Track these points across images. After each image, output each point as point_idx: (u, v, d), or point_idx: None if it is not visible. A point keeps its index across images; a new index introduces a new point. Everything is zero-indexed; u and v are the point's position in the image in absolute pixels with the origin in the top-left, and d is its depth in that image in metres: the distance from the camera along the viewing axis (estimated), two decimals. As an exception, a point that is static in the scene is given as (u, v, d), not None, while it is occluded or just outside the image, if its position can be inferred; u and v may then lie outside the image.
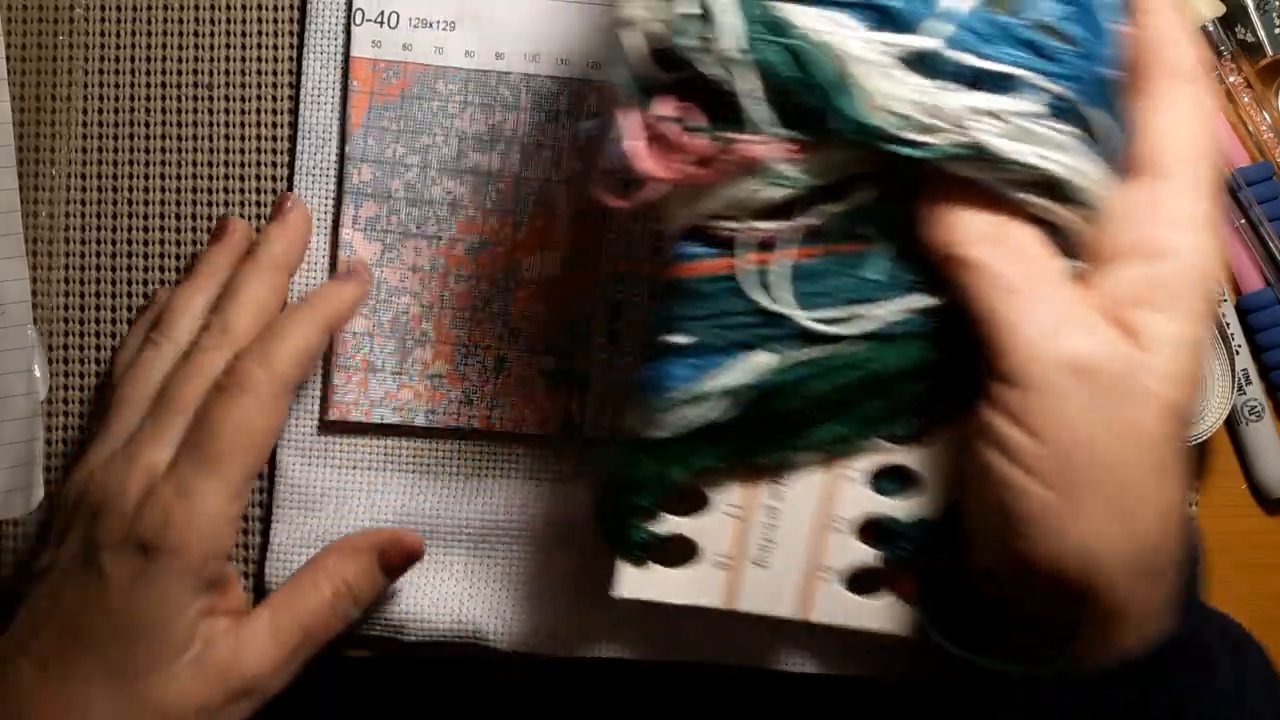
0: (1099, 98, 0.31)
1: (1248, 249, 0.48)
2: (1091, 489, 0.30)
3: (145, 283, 0.50)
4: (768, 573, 0.36)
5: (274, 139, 0.50)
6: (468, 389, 0.47)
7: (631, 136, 0.32)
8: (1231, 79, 0.48)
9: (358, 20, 0.48)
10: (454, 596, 0.47)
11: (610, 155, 0.32)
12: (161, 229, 0.50)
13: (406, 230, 0.48)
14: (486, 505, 0.48)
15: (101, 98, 0.51)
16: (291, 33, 0.51)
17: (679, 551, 0.36)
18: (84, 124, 0.51)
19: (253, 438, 0.39)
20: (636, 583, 0.37)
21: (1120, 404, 0.30)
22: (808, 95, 0.29)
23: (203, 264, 0.47)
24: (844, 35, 0.29)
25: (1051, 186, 0.31)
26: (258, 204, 0.50)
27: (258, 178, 0.50)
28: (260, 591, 0.48)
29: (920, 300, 0.33)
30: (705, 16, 0.30)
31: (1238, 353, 0.46)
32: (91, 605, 0.38)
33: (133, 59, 0.51)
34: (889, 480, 0.36)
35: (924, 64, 0.29)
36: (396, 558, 0.43)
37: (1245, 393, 0.47)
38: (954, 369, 0.33)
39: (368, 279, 0.46)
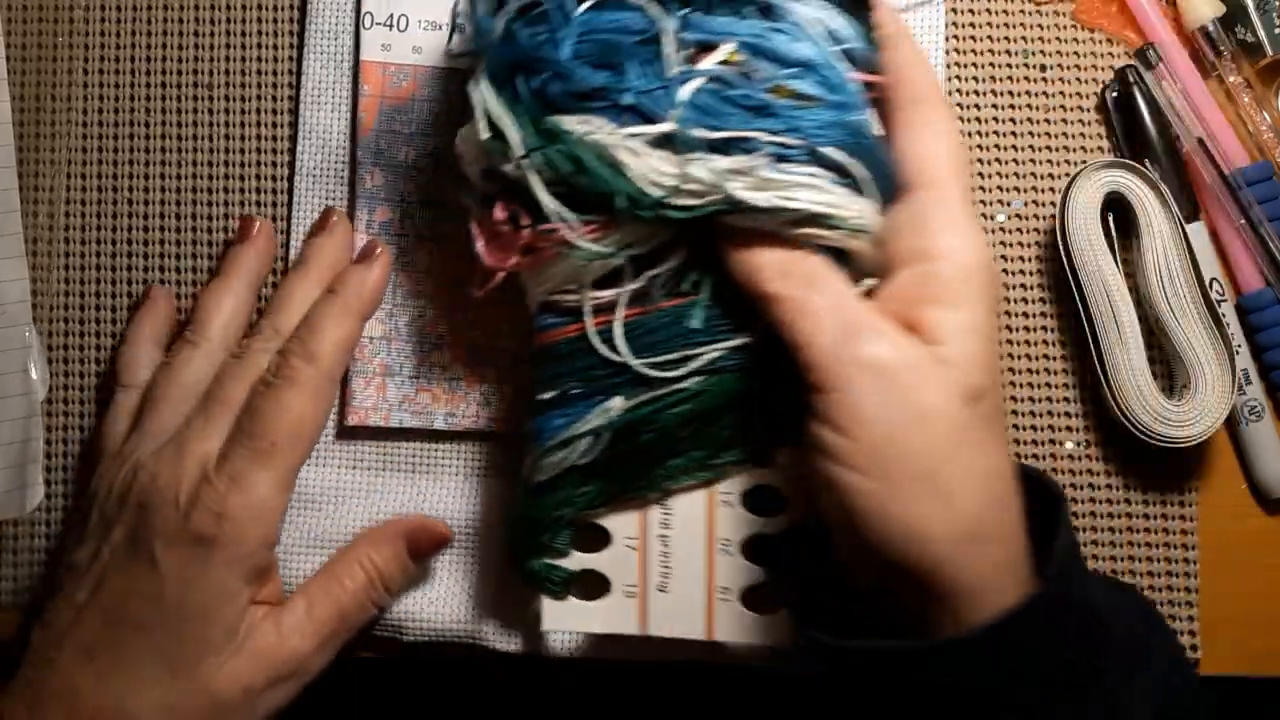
0: (842, 137, 0.36)
1: (1248, 249, 0.48)
2: (904, 473, 0.33)
3: (145, 283, 0.50)
4: (671, 597, 0.40)
5: (274, 139, 0.50)
6: (485, 391, 0.47)
7: (476, 239, 0.39)
8: (1231, 79, 0.48)
9: (367, 24, 0.48)
10: (453, 597, 0.47)
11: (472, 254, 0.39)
12: (161, 229, 0.50)
13: (421, 234, 0.48)
14: (486, 505, 0.48)
15: (101, 98, 0.51)
16: (291, 33, 0.51)
17: (595, 585, 0.41)
18: (84, 124, 0.51)
19: (301, 429, 0.41)
20: (559, 616, 0.41)
21: (914, 393, 0.34)
22: (589, 183, 0.36)
23: (229, 264, 0.47)
24: (601, 132, 0.36)
25: (819, 219, 0.36)
26: (257, 204, 0.50)
27: (258, 178, 0.50)
28: (260, 591, 0.49)
29: (739, 339, 0.38)
30: (501, 136, 0.37)
31: (1238, 353, 0.46)
32: (142, 594, 0.39)
33: (133, 59, 0.51)
34: (760, 500, 0.40)
35: (673, 142, 0.36)
36: (425, 544, 0.44)
37: (1245, 393, 0.47)
38: (786, 392, 0.37)
39: (388, 256, 0.47)
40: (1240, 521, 0.48)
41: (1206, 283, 0.46)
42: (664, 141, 0.36)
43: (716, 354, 0.38)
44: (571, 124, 0.36)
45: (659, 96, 0.36)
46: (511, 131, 0.37)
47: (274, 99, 0.50)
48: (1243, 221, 0.48)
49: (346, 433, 0.48)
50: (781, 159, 0.36)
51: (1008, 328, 0.48)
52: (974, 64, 0.49)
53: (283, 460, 0.40)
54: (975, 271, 0.36)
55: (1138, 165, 0.46)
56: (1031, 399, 0.48)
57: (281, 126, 0.50)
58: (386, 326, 0.47)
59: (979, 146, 0.49)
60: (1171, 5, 0.49)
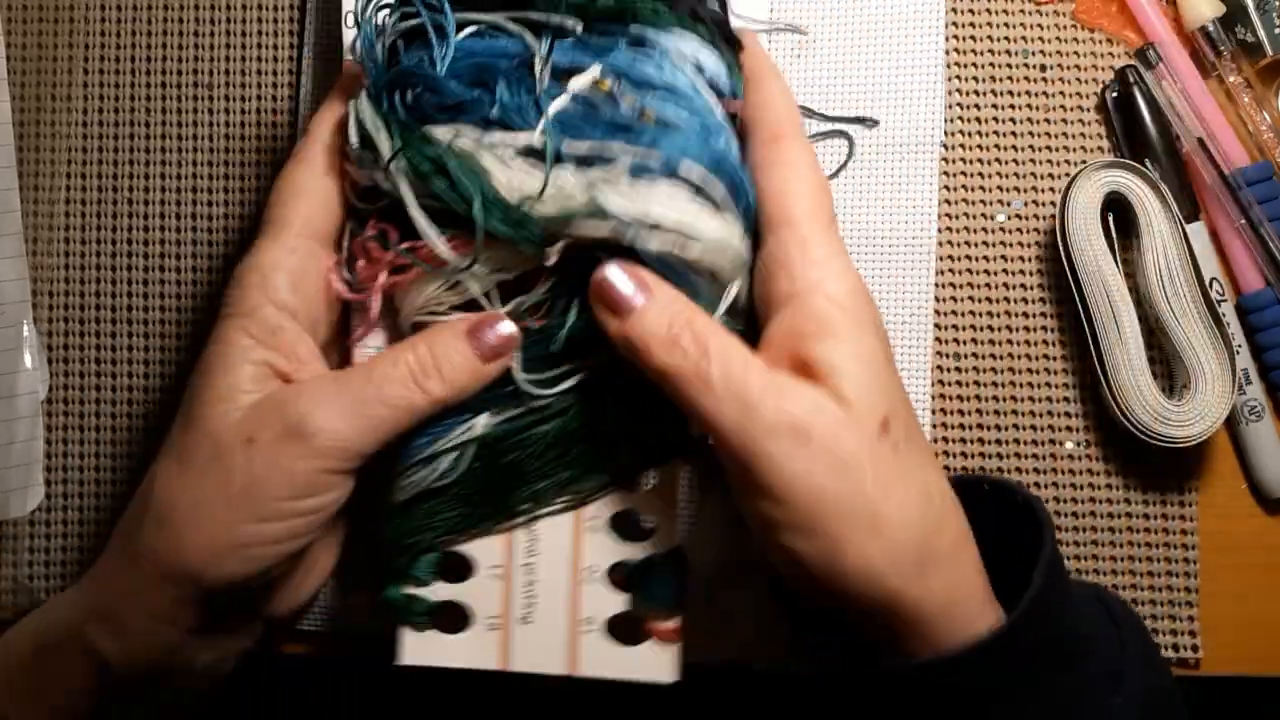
0: (701, 156, 0.37)
1: (1248, 249, 0.48)
2: (840, 523, 0.34)
3: (145, 283, 0.50)
4: (534, 629, 0.39)
5: (274, 139, 0.50)
6: None
7: (355, 257, 0.40)
8: (1231, 79, 0.48)
9: (348, 22, 0.48)
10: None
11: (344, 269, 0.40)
12: (161, 229, 0.50)
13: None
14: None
15: (101, 98, 0.51)
16: (292, 33, 0.51)
17: (458, 617, 0.40)
18: (84, 124, 0.51)
19: (295, 187, 0.39)
20: (418, 650, 0.40)
21: (829, 444, 0.34)
22: (450, 189, 0.36)
23: None
24: (468, 140, 0.37)
25: (679, 233, 0.36)
26: (257, 204, 0.50)
27: (258, 178, 0.50)
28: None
29: (602, 362, 0.38)
30: (370, 145, 0.38)
31: (1238, 353, 0.46)
32: (188, 383, 0.39)
33: (133, 59, 0.51)
34: (627, 526, 0.40)
35: (538, 154, 0.37)
36: (487, 333, 0.39)
37: (1245, 393, 0.47)
38: (656, 415, 0.38)
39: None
40: (1240, 521, 0.48)
41: (1206, 283, 0.46)
42: (529, 153, 0.37)
43: (585, 374, 0.39)
44: (440, 132, 0.37)
45: (526, 110, 0.37)
46: (381, 139, 0.37)
47: (274, 99, 0.50)
48: (1243, 221, 0.48)
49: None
50: (641, 171, 0.36)
51: (1008, 328, 0.48)
52: (974, 64, 0.49)
53: (280, 222, 0.39)
54: (846, 299, 0.36)
55: (1138, 165, 0.46)
56: (1031, 399, 0.48)
57: (281, 126, 0.50)
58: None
59: (979, 146, 0.49)
60: (1171, 5, 0.49)
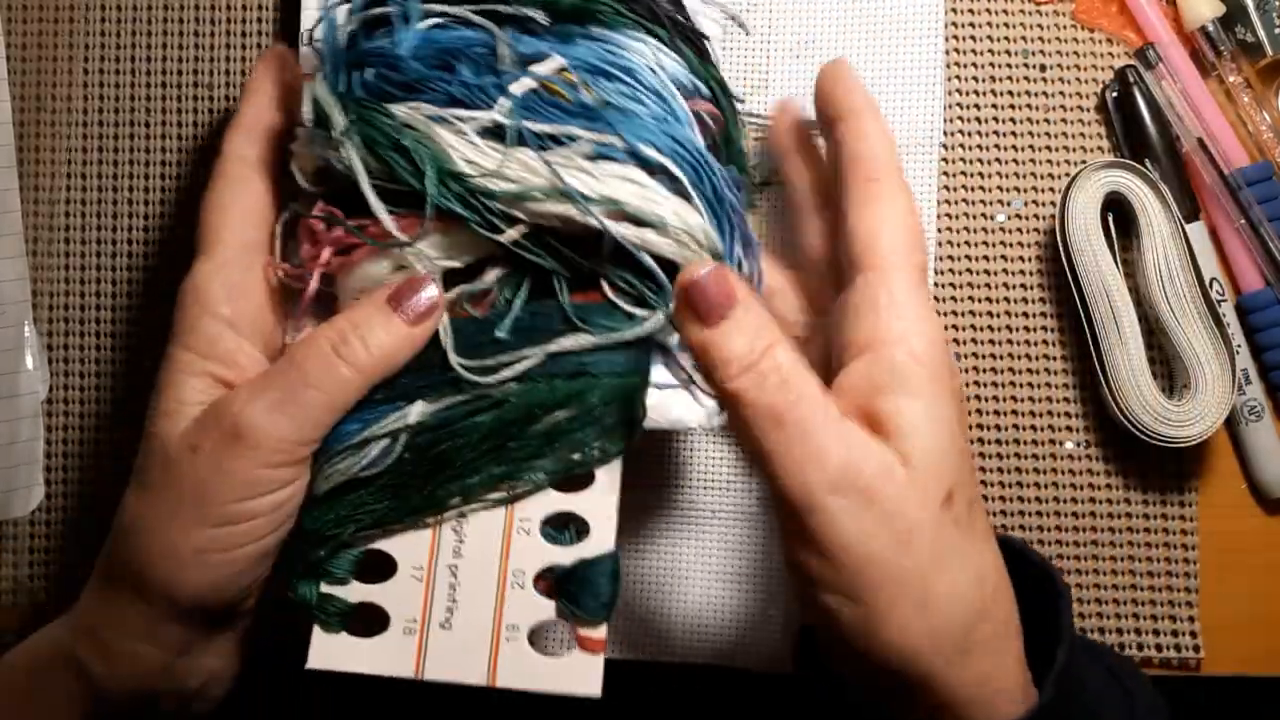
0: (662, 142, 0.37)
1: (1248, 249, 0.48)
2: (887, 593, 0.33)
3: (145, 283, 0.50)
4: (453, 635, 0.37)
5: (274, 139, 0.50)
6: None
7: (299, 239, 0.39)
8: (1231, 79, 0.48)
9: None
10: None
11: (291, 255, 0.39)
12: (161, 229, 0.50)
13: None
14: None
15: (101, 98, 0.51)
16: (291, 33, 0.51)
17: (373, 620, 0.38)
18: (84, 124, 0.51)
19: (220, 204, 0.39)
20: (327, 653, 0.38)
21: (890, 509, 0.33)
22: (404, 164, 0.36)
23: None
24: (426, 115, 0.37)
25: (641, 219, 0.36)
26: (258, 204, 0.50)
27: (258, 178, 0.50)
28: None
29: (548, 345, 0.37)
30: (323, 122, 0.37)
31: (1238, 353, 0.46)
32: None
33: (133, 59, 0.51)
34: (563, 529, 0.38)
35: (497, 135, 0.37)
36: (408, 294, 0.37)
37: (1245, 393, 0.47)
38: (597, 409, 0.37)
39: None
40: (1240, 521, 0.48)
41: (1206, 283, 0.46)
42: (488, 133, 0.37)
43: (526, 365, 0.37)
44: (397, 109, 0.37)
45: (489, 90, 0.37)
46: (335, 114, 0.37)
47: (274, 99, 0.50)
48: (1243, 221, 0.48)
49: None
50: (602, 154, 0.36)
51: (1008, 328, 0.48)
52: (974, 64, 0.49)
53: (209, 239, 0.39)
54: (928, 357, 0.35)
55: (1138, 165, 0.46)
56: (1031, 399, 0.48)
57: (281, 126, 0.50)
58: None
59: (979, 146, 0.49)
60: (1171, 5, 0.49)
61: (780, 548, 0.35)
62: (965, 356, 0.48)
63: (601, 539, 0.37)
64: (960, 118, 0.49)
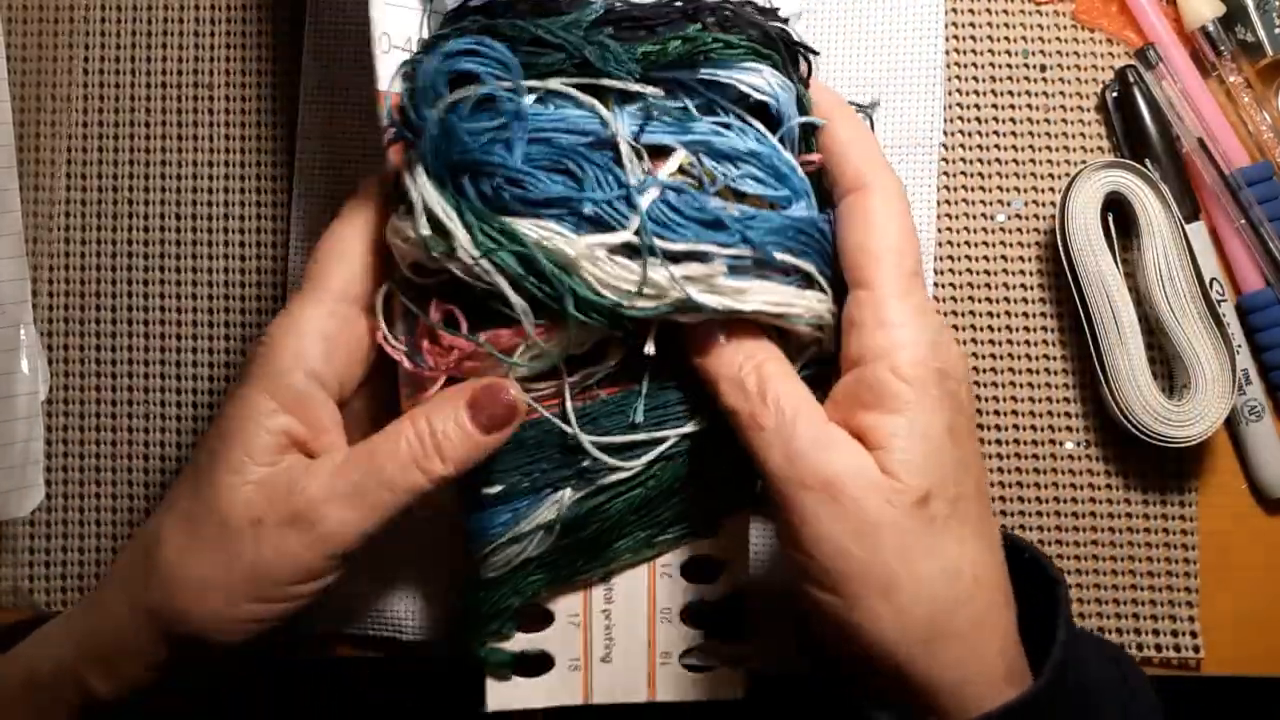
0: (789, 241, 0.37)
1: (1248, 249, 0.48)
2: (858, 584, 0.34)
3: (145, 283, 0.50)
4: (614, 667, 0.41)
5: (274, 139, 0.50)
6: None
7: (409, 342, 0.38)
8: (1231, 79, 0.48)
9: (383, 46, 0.45)
10: (453, 597, 0.47)
11: (409, 354, 0.38)
12: (161, 229, 0.50)
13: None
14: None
15: (101, 98, 0.51)
16: (292, 33, 0.51)
17: (539, 662, 0.42)
18: (84, 124, 0.51)
19: (341, 249, 0.38)
20: (504, 697, 0.41)
21: (860, 507, 0.34)
22: (542, 287, 0.35)
23: None
24: (559, 239, 0.35)
25: (770, 315, 0.37)
26: (257, 204, 0.50)
27: (258, 178, 0.50)
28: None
29: (683, 428, 0.39)
30: (445, 233, 0.35)
31: (1238, 353, 0.46)
32: (203, 439, 0.39)
33: (133, 59, 0.51)
34: (698, 569, 0.42)
35: (630, 250, 0.36)
36: (487, 404, 0.37)
37: (1245, 393, 0.47)
38: (727, 471, 0.39)
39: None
40: (1240, 521, 0.48)
41: (1206, 283, 0.46)
42: (620, 248, 0.36)
43: (668, 443, 0.39)
44: (526, 227, 0.35)
45: (618, 205, 0.36)
46: (459, 231, 0.35)
47: (274, 99, 0.50)
48: (1243, 221, 0.48)
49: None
50: (736, 269, 0.36)
51: (1008, 328, 0.48)
52: (974, 64, 0.49)
53: (321, 283, 0.38)
54: (912, 371, 0.36)
55: (1138, 165, 0.46)
56: (1031, 399, 0.48)
57: (281, 126, 0.50)
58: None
59: (979, 146, 0.49)
60: (1171, 5, 0.49)
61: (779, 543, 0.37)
62: (965, 356, 0.48)
63: (735, 575, 0.42)
64: (960, 118, 0.49)
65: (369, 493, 0.37)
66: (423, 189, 0.36)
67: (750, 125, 0.38)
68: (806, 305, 0.38)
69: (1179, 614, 0.47)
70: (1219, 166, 0.47)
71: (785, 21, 0.39)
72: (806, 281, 0.38)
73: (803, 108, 0.39)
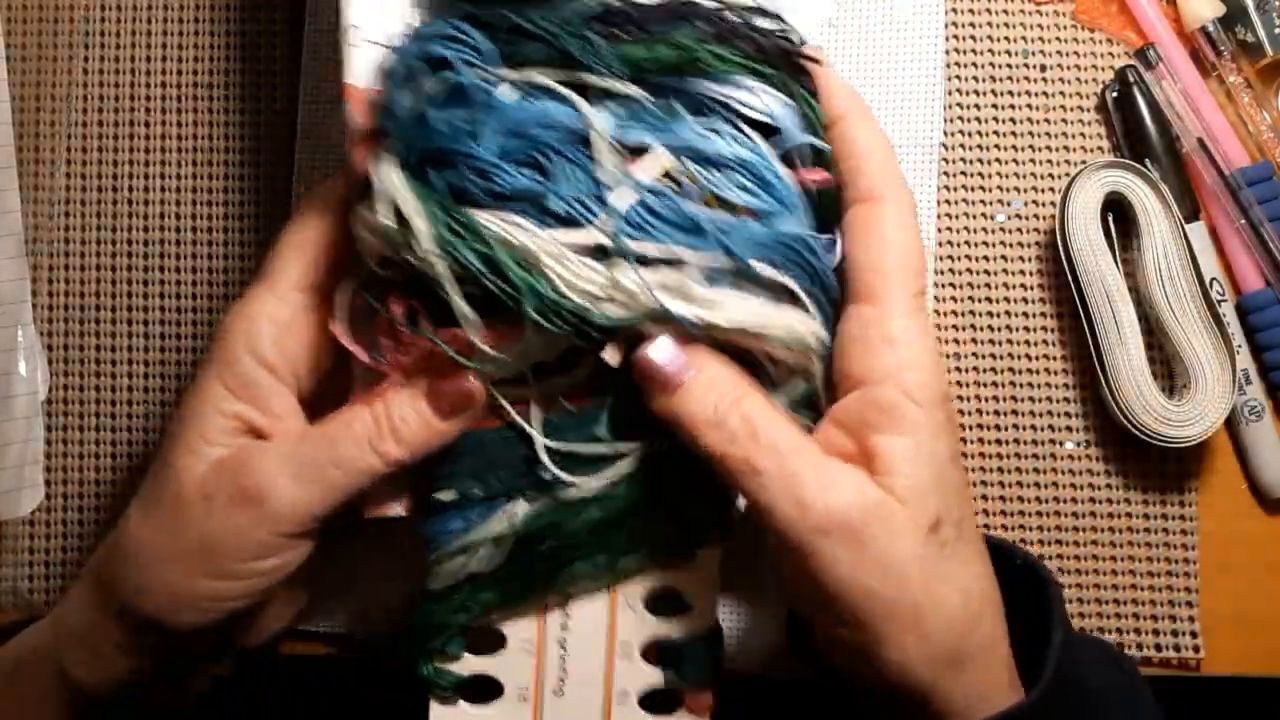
0: (773, 254, 0.35)
1: (1248, 249, 0.48)
2: (882, 619, 0.34)
3: (145, 283, 0.50)
4: (566, 701, 0.39)
5: (274, 139, 0.50)
6: None
7: (377, 335, 0.36)
8: (1231, 79, 0.48)
9: (351, 39, 0.45)
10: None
11: (371, 349, 0.37)
12: (161, 229, 0.50)
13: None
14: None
15: (101, 98, 0.51)
16: (291, 33, 0.51)
17: (488, 688, 0.39)
18: (84, 124, 0.51)
19: (298, 240, 0.38)
20: None
21: (879, 544, 0.34)
22: (502, 286, 0.33)
23: None
24: (523, 234, 0.33)
25: (748, 333, 0.35)
26: (257, 204, 0.50)
27: (257, 178, 0.50)
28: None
29: (648, 445, 0.37)
30: (406, 224, 0.34)
31: (1238, 353, 0.46)
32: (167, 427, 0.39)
33: (133, 59, 0.51)
34: (664, 603, 0.39)
35: (600, 251, 0.34)
36: (447, 390, 0.36)
37: (1245, 393, 0.47)
38: (695, 495, 0.37)
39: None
40: (1240, 521, 0.48)
41: (1206, 283, 0.46)
42: (591, 250, 0.34)
43: (628, 460, 0.37)
44: (489, 220, 0.34)
45: (588, 203, 0.34)
46: (420, 223, 0.34)
47: (274, 99, 0.50)
48: (1243, 221, 0.48)
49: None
50: (712, 276, 0.35)
51: (1008, 328, 0.48)
52: (974, 64, 0.49)
53: (278, 273, 0.38)
54: (920, 393, 0.35)
55: (1138, 165, 0.46)
56: (1031, 399, 0.48)
57: (281, 127, 0.50)
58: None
59: (979, 146, 0.49)
60: (1171, 5, 0.49)
61: (778, 578, 0.36)
62: (965, 356, 0.48)
63: (704, 613, 0.39)
64: (960, 118, 0.49)
65: (320, 472, 0.36)
66: (386, 177, 0.34)
67: (742, 131, 0.36)
68: (786, 325, 0.35)
69: (1179, 614, 0.47)
70: (1219, 166, 0.47)
71: (788, 36, 0.37)
72: (790, 300, 0.36)
73: (809, 124, 0.37)
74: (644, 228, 0.34)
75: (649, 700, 0.39)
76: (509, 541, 0.37)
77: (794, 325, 0.36)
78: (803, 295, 0.36)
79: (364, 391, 0.38)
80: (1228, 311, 0.48)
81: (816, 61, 0.38)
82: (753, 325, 0.35)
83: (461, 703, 0.39)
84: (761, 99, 0.36)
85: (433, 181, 0.34)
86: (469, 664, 0.39)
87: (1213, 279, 0.48)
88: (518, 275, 0.33)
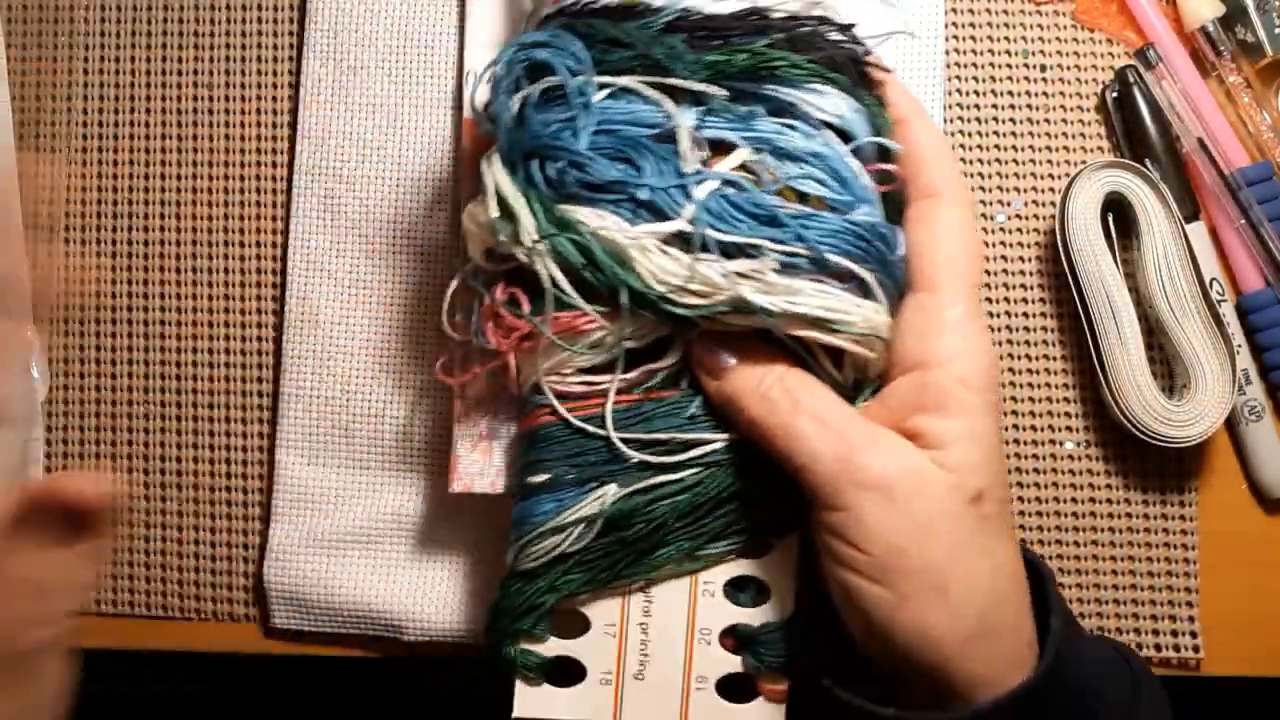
0: (847, 244, 0.37)
1: (1248, 249, 0.48)
2: (911, 581, 0.34)
3: (145, 283, 0.50)
4: (647, 685, 0.40)
5: (274, 139, 0.50)
6: None
7: (480, 319, 0.40)
8: (1231, 79, 0.48)
9: (467, 81, 0.45)
10: (454, 597, 0.47)
11: (474, 333, 0.40)
12: (161, 229, 0.50)
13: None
14: (487, 507, 0.48)
15: (101, 98, 0.51)
16: (291, 33, 0.51)
17: (572, 671, 0.41)
18: (84, 124, 0.51)
19: None
20: (532, 702, 0.41)
21: (917, 504, 0.35)
22: (597, 276, 0.36)
23: None
24: (613, 228, 0.36)
25: (823, 323, 0.37)
26: (257, 204, 0.50)
27: (258, 178, 0.50)
28: (260, 591, 0.48)
29: (735, 435, 0.38)
30: (511, 217, 0.37)
31: (1238, 353, 0.46)
32: None
33: (133, 59, 0.51)
34: (743, 591, 0.40)
35: (684, 241, 0.36)
36: (64, 508, 0.34)
37: (1245, 393, 0.47)
38: (780, 485, 0.38)
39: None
40: (1240, 521, 0.48)
41: (1206, 283, 0.46)
42: (673, 239, 0.36)
43: (716, 447, 0.38)
44: (585, 215, 0.36)
45: (673, 194, 0.36)
46: (524, 215, 0.37)
47: (274, 99, 0.50)
48: (1243, 221, 0.48)
49: (346, 432, 0.48)
50: (789, 266, 0.36)
51: (1008, 328, 0.48)
52: (974, 64, 0.49)
53: None
54: (975, 380, 0.36)
55: (1138, 165, 0.46)
56: (1031, 399, 0.48)
57: (281, 127, 0.50)
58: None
59: (979, 146, 0.49)
60: (1171, 5, 0.49)
61: (813, 530, 0.36)
62: (965, 356, 0.48)
63: (781, 601, 0.40)
64: (960, 118, 0.49)
65: None
66: (496, 173, 0.38)
67: (816, 130, 0.38)
68: (863, 315, 0.37)
69: (1179, 614, 0.47)
70: (1219, 166, 0.47)
71: (858, 43, 0.39)
72: (863, 292, 0.37)
73: (877, 128, 0.39)
74: (724, 218, 0.36)
75: (725, 686, 0.40)
76: (599, 523, 0.39)
77: (870, 315, 0.37)
78: (875, 286, 0.37)
79: (446, 374, 0.40)
80: (1228, 312, 0.48)
81: (886, 70, 0.39)
82: (830, 315, 0.36)
83: (545, 684, 0.40)
84: (833, 102, 0.38)
85: (533, 175, 0.37)
86: (553, 646, 0.40)
87: (1213, 279, 0.48)
88: (610, 267, 0.36)
